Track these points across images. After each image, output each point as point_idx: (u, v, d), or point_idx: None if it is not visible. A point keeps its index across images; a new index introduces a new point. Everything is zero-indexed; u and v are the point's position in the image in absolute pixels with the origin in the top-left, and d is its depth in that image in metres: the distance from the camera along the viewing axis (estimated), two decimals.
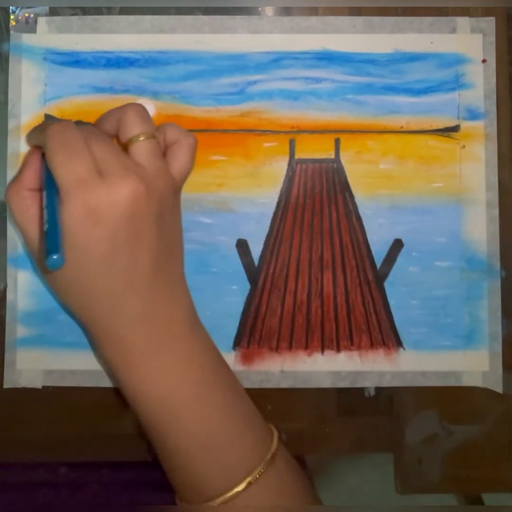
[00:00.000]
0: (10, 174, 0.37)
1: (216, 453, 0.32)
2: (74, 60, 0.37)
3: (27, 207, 0.32)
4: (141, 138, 0.32)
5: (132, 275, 0.31)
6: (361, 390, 0.38)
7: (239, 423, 0.33)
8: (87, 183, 0.30)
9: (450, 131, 0.38)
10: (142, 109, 0.33)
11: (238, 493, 0.31)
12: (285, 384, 0.37)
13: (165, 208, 0.32)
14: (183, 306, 0.34)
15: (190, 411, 0.32)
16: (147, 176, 0.31)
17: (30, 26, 0.37)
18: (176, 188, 0.34)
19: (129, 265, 0.31)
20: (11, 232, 0.37)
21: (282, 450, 0.34)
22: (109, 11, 0.38)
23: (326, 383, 0.38)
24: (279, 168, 0.38)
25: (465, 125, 0.38)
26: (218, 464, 0.32)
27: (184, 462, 0.33)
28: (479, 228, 0.38)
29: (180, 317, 0.33)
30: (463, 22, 0.38)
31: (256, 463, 0.32)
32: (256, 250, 0.38)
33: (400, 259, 0.38)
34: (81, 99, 0.37)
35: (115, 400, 0.37)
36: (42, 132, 0.31)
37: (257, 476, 0.32)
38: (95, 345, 0.36)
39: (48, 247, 0.28)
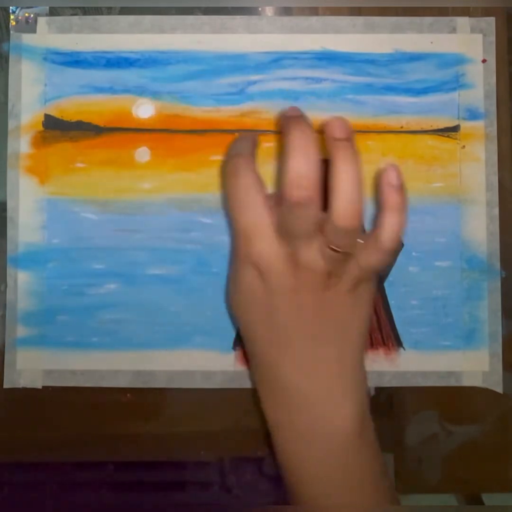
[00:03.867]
0: (10, 174, 0.37)
1: None
2: (74, 60, 0.37)
3: None
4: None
5: (289, 345, 0.30)
6: None
7: None
8: (255, 235, 0.29)
9: (450, 131, 0.38)
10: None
11: None
12: None
13: (336, 294, 0.30)
14: (359, 398, 0.30)
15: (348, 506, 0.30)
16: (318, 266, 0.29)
17: (30, 26, 0.37)
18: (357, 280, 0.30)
19: (284, 332, 0.30)
20: (11, 232, 0.37)
21: None
22: (109, 11, 0.38)
23: None
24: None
25: (465, 125, 0.38)
26: None
27: None
28: (479, 228, 0.38)
29: (344, 421, 0.30)
30: (463, 22, 0.38)
31: None
32: None
33: (400, 259, 0.38)
34: (81, 99, 0.37)
35: (115, 400, 0.37)
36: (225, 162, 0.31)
37: None
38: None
39: None
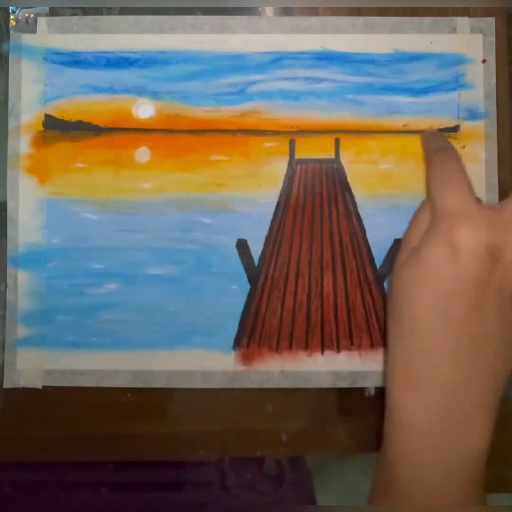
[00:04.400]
0: (10, 174, 0.37)
1: None
2: (74, 60, 0.37)
3: None
4: None
5: (452, 339, 0.29)
6: (361, 390, 0.38)
7: None
8: (463, 217, 0.29)
9: (450, 131, 0.38)
10: None
11: None
12: (285, 384, 0.37)
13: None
14: (492, 423, 0.30)
15: None
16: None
17: (30, 26, 0.37)
18: None
19: (452, 323, 0.29)
20: (11, 232, 0.37)
21: None
22: (109, 11, 0.38)
23: (326, 383, 0.38)
24: (279, 168, 0.38)
25: (465, 125, 0.38)
26: None
27: None
28: None
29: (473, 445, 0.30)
30: (463, 22, 0.38)
31: None
32: (256, 250, 0.38)
33: None
34: (81, 99, 0.37)
35: (115, 400, 0.37)
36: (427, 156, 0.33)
37: None
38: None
39: None
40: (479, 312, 0.29)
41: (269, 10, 0.38)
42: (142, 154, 0.37)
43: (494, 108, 0.38)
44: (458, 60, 0.38)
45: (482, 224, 0.29)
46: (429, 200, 0.31)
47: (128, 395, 0.38)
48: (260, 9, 0.38)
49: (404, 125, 0.38)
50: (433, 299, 0.29)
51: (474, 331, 0.29)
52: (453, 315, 0.29)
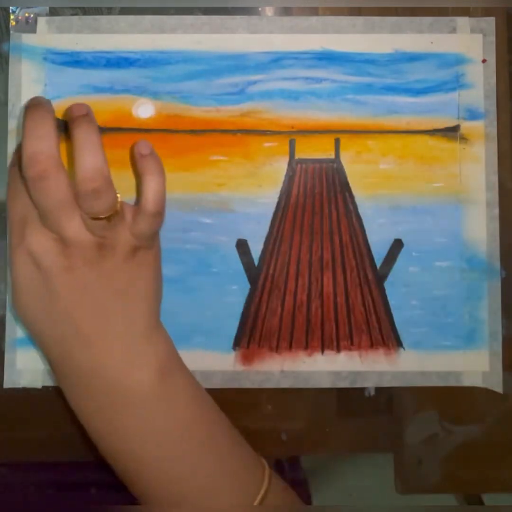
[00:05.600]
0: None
1: (202, 498, 0.31)
2: (74, 60, 0.37)
3: None
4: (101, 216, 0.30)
5: (75, 326, 0.30)
6: (361, 390, 0.38)
7: (227, 462, 0.32)
8: (26, 225, 0.30)
9: (450, 131, 0.38)
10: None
11: None
12: (285, 384, 0.38)
13: (114, 264, 0.31)
14: (156, 353, 0.32)
15: (169, 457, 0.31)
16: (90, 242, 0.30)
17: (30, 26, 0.37)
18: (131, 246, 0.31)
19: (69, 318, 0.30)
20: None
21: (275, 484, 0.33)
22: (109, 11, 0.38)
23: (326, 383, 0.38)
24: (279, 168, 0.38)
25: (465, 125, 0.38)
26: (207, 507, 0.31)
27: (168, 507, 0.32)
28: (479, 228, 0.38)
29: (153, 365, 0.31)
30: (463, 22, 0.38)
31: (248, 502, 0.31)
32: (256, 250, 0.38)
33: (400, 259, 0.38)
34: (81, 99, 0.37)
35: None
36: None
37: None
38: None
39: None
40: (82, 291, 0.30)
41: (269, 10, 0.38)
42: None
43: (494, 108, 0.38)
44: (458, 60, 0.38)
45: (39, 222, 0.30)
46: None
47: None
48: (260, 9, 0.38)
49: (404, 125, 0.38)
50: (41, 311, 0.31)
51: (87, 311, 0.30)
52: (63, 311, 0.30)
